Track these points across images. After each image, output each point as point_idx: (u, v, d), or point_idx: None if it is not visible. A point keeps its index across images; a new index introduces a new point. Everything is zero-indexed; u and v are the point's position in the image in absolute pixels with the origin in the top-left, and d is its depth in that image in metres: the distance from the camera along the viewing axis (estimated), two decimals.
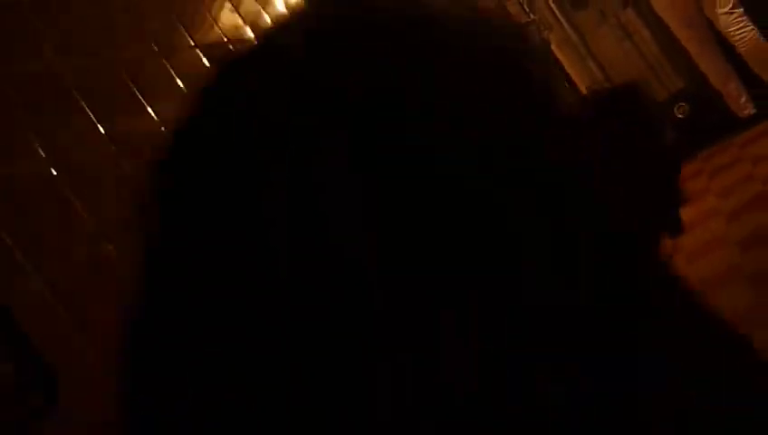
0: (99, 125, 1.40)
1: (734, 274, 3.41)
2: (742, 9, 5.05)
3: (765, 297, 3.03)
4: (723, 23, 5.08)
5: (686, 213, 4.23)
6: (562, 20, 5.92)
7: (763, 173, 4.36)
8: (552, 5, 5.89)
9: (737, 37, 5.07)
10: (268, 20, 2.34)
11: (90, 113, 1.39)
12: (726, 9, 5.04)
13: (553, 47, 4.52)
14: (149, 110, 1.56)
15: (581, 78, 5.51)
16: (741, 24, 5.05)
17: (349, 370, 0.40)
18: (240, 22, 2.16)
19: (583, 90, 4.90)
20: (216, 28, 2.02)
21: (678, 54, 5.62)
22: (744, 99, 5.21)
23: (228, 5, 2.09)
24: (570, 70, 4.70)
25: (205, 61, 1.88)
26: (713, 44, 5.13)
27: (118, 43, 1.60)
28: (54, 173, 1.23)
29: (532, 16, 4.37)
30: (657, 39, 5.80)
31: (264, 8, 2.33)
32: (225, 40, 2.04)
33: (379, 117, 0.41)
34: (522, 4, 4.38)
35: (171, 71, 1.71)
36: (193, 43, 1.85)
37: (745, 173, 4.55)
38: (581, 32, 6.04)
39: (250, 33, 2.18)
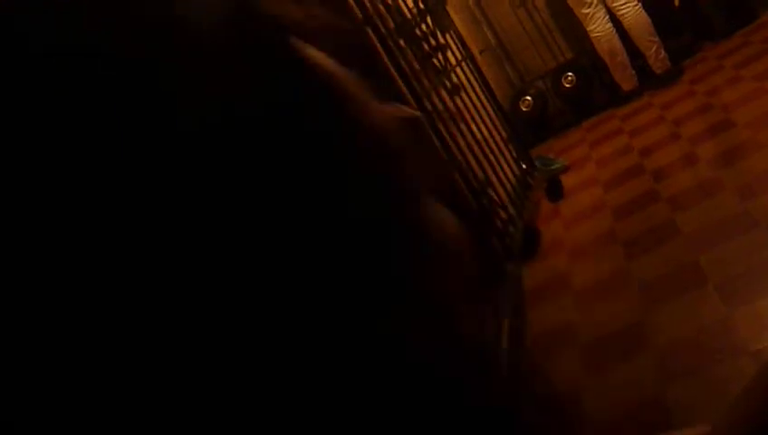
0: None
1: (608, 239, 3.56)
2: None
3: (636, 261, 3.19)
4: None
5: (568, 180, 4.37)
6: None
7: (639, 145, 4.55)
8: None
9: (623, 11, 5.25)
10: None
11: None
12: None
13: (449, 9, 4.53)
14: None
15: (475, 42, 5.56)
16: (626, 0, 5.22)
17: None
18: None
19: (477, 53, 4.96)
20: None
21: (569, 25, 5.77)
22: (629, 72, 5.41)
23: None
24: (464, 33, 4.73)
25: None
26: (602, 17, 5.28)
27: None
28: None
29: None
30: (550, 8, 5.92)
31: None
32: None
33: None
34: None
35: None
36: None
37: (623, 145, 4.74)
38: None
39: None
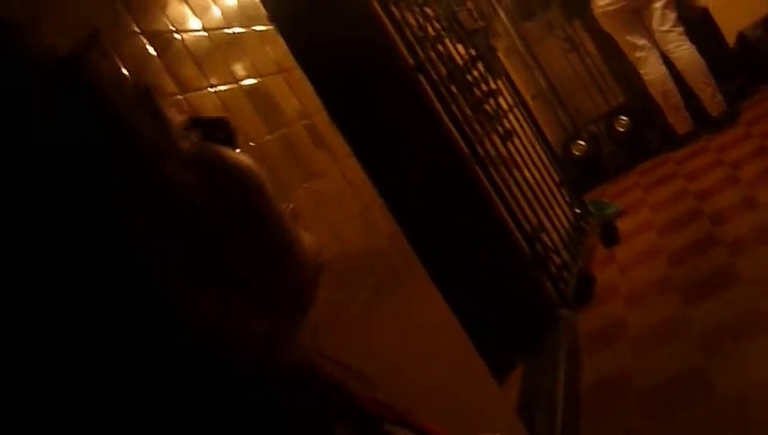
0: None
1: (664, 285, 3.50)
2: (682, 28, 5.19)
3: (695, 307, 3.12)
4: (662, 40, 5.20)
5: (623, 225, 4.31)
6: (511, 29, 5.99)
7: (695, 189, 4.48)
8: (502, 14, 5.96)
9: (676, 54, 5.21)
10: (218, 12, 2.32)
11: None
12: (666, 27, 5.18)
13: (501, 55, 4.56)
14: None
15: (527, 86, 5.58)
16: (679, 42, 5.18)
17: None
18: (189, 12, 2.12)
19: (528, 98, 4.97)
20: (162, 16, 1.99)
21: (621, 69, 5.75)
22: (683, 115, 5.35)
23: None
24: (516, 78, 4.76)
25: (150, 48, 1.84)
26: (655, 60, 5.25)
27: (59, 28, 1.56)
28: None
29: (480, 24, 4.41)
30: (602, 53, 5.91)
31: (214, 0, 2.31)
32: (172, 29, 2.01)
33: None
34: (471, 12, 4.42)
35: (116, 57, 1.68)
36: (138, 30, 1.82)
37: (679, 188, 4.67)
38: (528, 41, 6.13)
39: (197, 24, 2.15)
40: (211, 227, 0.46)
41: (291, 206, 0.54)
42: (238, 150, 0.51)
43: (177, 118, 0.49)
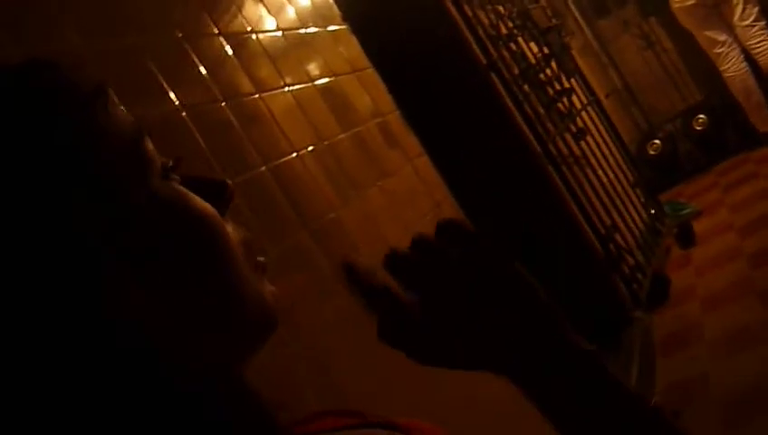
0: (120, 108, 1.41)
1: (743, 288, 3.40)
2: (764, 22, 5.03)
3: None
4: (744, 35, 5.05)
5: (700, 226, 4.20)
6: (585, 27, 5.91)
7: None
8: (576, 12, 5.88)
9: (758, 50, 5.05)
10: (292, 12, 2.35)
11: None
12: (748, 22, 5.02)
13: (575, 53, 4.50)
14: (171, 94, 1.57)
15: (601, 85, 5.49)
16: (762, 38, 5.02)
17: None
18: (264, 12, 2.16)
19: (602, 97, 4.88)
20: (240, 17, 2.03)
21: (699, 65, 5.61)
22: (765, 113, 5.18)
23: None
24: (590, 76, 4.69)
25: (228, 49, 1.89)
26: (736, 56, 5.10)
27: (141, 28, 1.62)
28: None
29: (554, 21, 4.36)
30: (679, 49, 5.78)
31: (288, 0, 2.34)
32: (249, 29, 2.05)
33: None
34: (545, 10, 4.37)
35: (194, 57, 1.73)
36: (217, 31, 1.86)
37: (760, 188, 4.53)
38: (603, 39, 6.03)
39: (273, 24, 2.19)
40: (165, 259, 0.51)
41: (262, 259, 0.58)
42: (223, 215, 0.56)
43: (160, 160, 0.55)
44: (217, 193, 0.57)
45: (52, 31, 1.35)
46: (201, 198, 0.55)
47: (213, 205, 0.55)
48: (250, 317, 0.55)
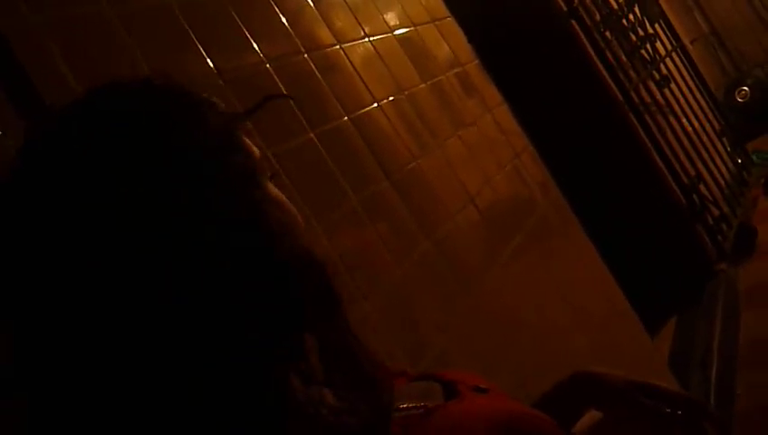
0: (207, 59, 1.44)
1: None
2: None
3: None
4: None
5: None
6: None
7: None
8: None
9: None
10: None
11: (199, 46, 1.43)
12: None
13: None
14: (255, 46, 1.59)
15: (686, 30, 5.30)
16: None
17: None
18: None
19: (688, 42, 4.72)
20: None
21: None
22: None
23: None
24: (674, 21, 4.53)
25: (309, 1, 1.89)
26: None
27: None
28: None
29: None
30: None
31: None
32: None
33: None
34: None
35: (276, 8, 1.74)
36: None
37: None
38: None
39: None
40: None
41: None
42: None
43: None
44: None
45: None
46: None
47: None
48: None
